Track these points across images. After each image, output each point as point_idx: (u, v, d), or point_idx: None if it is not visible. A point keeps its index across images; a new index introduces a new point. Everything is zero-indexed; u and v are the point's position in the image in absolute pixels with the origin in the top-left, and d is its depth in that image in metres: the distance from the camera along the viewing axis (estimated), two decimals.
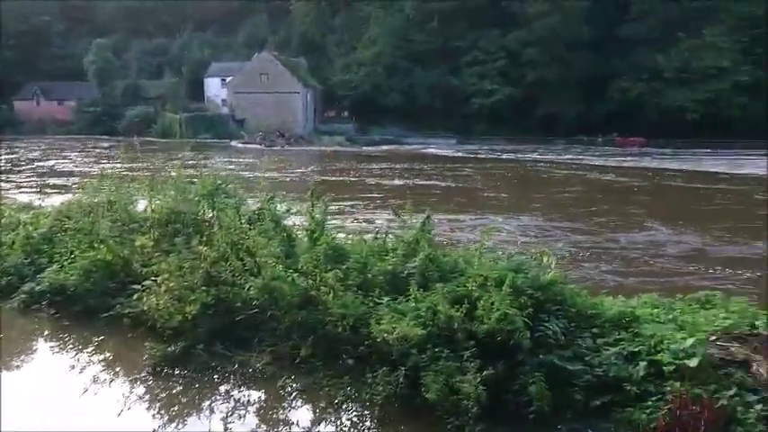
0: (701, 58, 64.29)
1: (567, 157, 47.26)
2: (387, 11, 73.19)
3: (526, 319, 4.44)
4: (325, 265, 5.38)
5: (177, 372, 5.29)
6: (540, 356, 4.40)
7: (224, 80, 70.34)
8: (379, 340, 4.55)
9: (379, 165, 37.05)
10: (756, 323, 5.42)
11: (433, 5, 70.72)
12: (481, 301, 4.59)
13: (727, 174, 34.23)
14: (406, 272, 5.26)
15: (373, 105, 69.71)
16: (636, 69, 66.66)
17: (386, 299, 4.95)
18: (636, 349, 4.39)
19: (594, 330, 4.70)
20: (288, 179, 27.29)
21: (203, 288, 5.51)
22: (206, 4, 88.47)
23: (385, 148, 56.46)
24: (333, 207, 16.41)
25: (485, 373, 4.17)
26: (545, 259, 5.55)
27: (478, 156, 47.25)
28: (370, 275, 5.31)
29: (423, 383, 4.28)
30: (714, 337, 4.75)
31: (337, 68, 73.62)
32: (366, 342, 4.77)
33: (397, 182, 28.14)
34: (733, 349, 4.76)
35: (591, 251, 13.38)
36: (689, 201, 24.15)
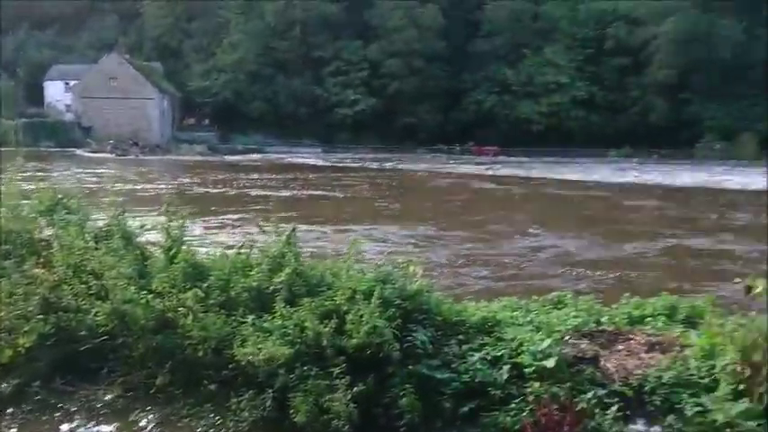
0: (543, 74, 70.20)
1: (437, 165, 49.14)
2: (247, 17, 71.71)
3: (395, 331, 4.43)
4: (184, 284, 5.00)
5: (9, 414, 4.64)
6: (410, 367, 4.40)
7: (68, 84, 64.74)
8: (243, 363, 4.29)
9: (259, 175, 36.19)
10: (601, 320, 5.87)
11: (294, 14, 70.47)
12: (350, 315, 4.50)
13: (591, 181, 37.53)
14: (271, 287, 5.03)
15: (236, 113, 67.89)
16: (489, 83, 71.31)
17: (251, 317, 4.69)
18: (499, 353, 4.53)
19: (460, 337, 4.80)
20: (163, 191, 25.65)
21: (40, 316, 4.88)
22: (45, 2, 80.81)
23: (253, 156, 55.18)
24: (215, 221, 15.79)
25: (355, 389, 4.08)
26: (411, 269, 5.59)
27: (349, 165, 47.64)
28: (233, 293, 5.01)
29: (291, 405, 4.10)
30: (567, 337, 5.07)
31: (196, 74, 70.85)
32: (230, 365, 4.49)
33: (284, 193, 27.60)
34: (583, 346, 5.10)
35: (474, 258, 13.94)
36: (568, 207, 26.23)
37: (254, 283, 5.03)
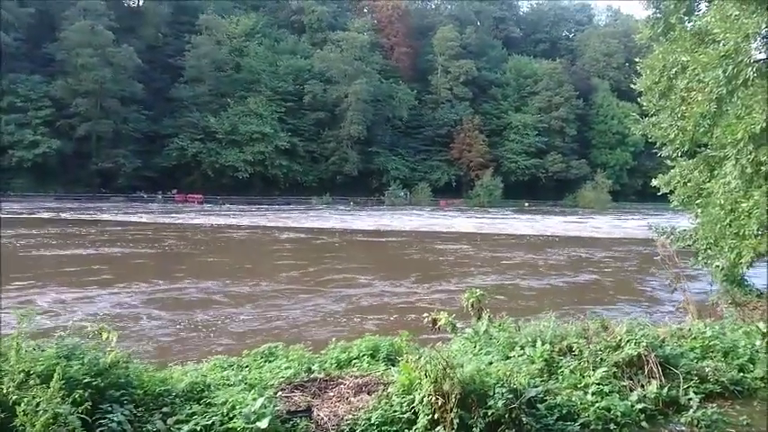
0: (247, 124, 71.64)
1: (163, 215, 45.16)
2: None
3: (84, 416, 3.75)
4: None
5: None
6: None
7: None
8: None
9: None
10: (312, 367, 5.94)
11: None
12: (22, 405, 3.67)
13: (379, 229, 38.81)
14: None
15: None
16: (192, 129, 69.77)
17: None
18: (209, 422, 4.19)
19: (165, 409, 4.32)
20: None
21: None
22: None
23: None
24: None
25: None
26: (105, 336, 4.90)
27: (43, 216, 40.45)
28: None
29: None
30: (280, 392, 4.96)
31: None
32: None
33: (79, 251, 22.52)
34: (296, 398, 5.06)
35: (276, 312, 13.18)
36: (388, 253, 26.86)
37: None
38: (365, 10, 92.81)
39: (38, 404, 3.67)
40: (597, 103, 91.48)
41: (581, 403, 5.27)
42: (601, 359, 5.95)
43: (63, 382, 3.83)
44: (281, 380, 5.39)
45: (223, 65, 74.34)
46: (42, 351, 4.29)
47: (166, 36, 76.86)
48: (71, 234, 29.13)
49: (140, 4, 79.80)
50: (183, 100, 71.01)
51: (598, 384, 5.55)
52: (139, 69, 67.54)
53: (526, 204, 78.33)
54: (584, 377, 5.72)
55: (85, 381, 4.05)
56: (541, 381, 5.64)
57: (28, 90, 62.26)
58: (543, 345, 6.18)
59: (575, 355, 6.15)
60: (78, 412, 3.74)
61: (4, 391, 3.76)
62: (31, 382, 3.80)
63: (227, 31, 76.49)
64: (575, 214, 63.84)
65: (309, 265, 20.91)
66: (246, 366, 5.99)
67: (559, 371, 5.93)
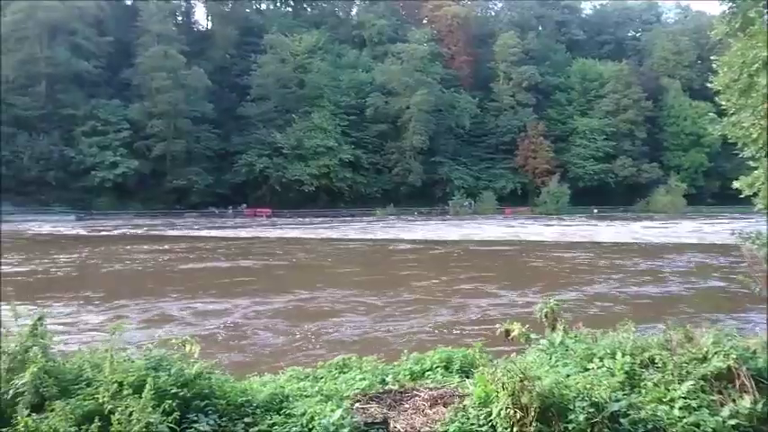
0: (312, 138, 73.10)
1: (242, 230, 47.04)
2: None
3: (173, 425, 3.91)
4: None
5: None
6: None
7: None
8: None
9: (116, 247, 31.29)
10: (386, 378, 5.97)
11: (39, 68, 63.49)
12: (117, 414, 3.86)
13: (487, 239, 39.36)
14: (11, 392, 4.14)
15: None
16: (260, 145, 71.86)
17: None
18: None
19: (247, 420, 4.44)
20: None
21: None
22: None
23: None
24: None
25: None
26: (188, 347, 5.10)
27: (134, 233, 42.79)
28: None
29: None
30: (357, 403, 5.01)
31: None
32: None
33: (209, 264, 24.63)
34: (372, 410, 5.09)
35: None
36: (509, 264, 27.10)
37: None
38: (425, 21, 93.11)
39: (131, 413, 3.85)
40: (668, 104, 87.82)
41: (667, 418, 5.04)
42: (686, 372, 5.67)
43: (153, 393, 4.00)
44: (356, 391, 5.43)
45: (288, 82, 76.26)
46: (132, 362, 4.51)
47: (233, 57, 79.75)
48: (200, 249, 31.00)
49: (209, 27, 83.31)
50: (251, 117, 73.35)
51: (685, 398, 5.29)
52: (209, 90, 70.38)
53: (595, 211, 75.92)
54: (669, 391, 5.46)
55: (173, 391, 4.21)
56: (623, 394, 5.43)
57: (108, 114, 66.01)
58: (623, 356, 5.96)
59: (657, 367, 5.89)
60: (168, 422, 3.90)
61: (100, 401, 3.97)
62: (125, 392, 4.00)
63: (291, 48, 78.48)
64: (651, 219, 61.32)
65: (441, 275, 21.11)
66: (322, 378, 6.08)
67: (642, 384, 5.69)
